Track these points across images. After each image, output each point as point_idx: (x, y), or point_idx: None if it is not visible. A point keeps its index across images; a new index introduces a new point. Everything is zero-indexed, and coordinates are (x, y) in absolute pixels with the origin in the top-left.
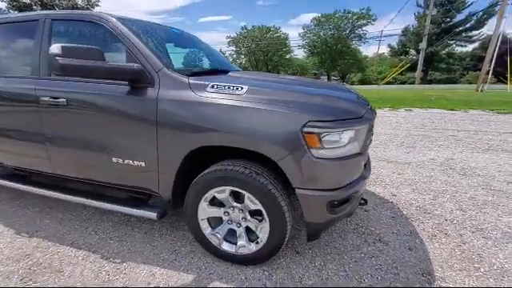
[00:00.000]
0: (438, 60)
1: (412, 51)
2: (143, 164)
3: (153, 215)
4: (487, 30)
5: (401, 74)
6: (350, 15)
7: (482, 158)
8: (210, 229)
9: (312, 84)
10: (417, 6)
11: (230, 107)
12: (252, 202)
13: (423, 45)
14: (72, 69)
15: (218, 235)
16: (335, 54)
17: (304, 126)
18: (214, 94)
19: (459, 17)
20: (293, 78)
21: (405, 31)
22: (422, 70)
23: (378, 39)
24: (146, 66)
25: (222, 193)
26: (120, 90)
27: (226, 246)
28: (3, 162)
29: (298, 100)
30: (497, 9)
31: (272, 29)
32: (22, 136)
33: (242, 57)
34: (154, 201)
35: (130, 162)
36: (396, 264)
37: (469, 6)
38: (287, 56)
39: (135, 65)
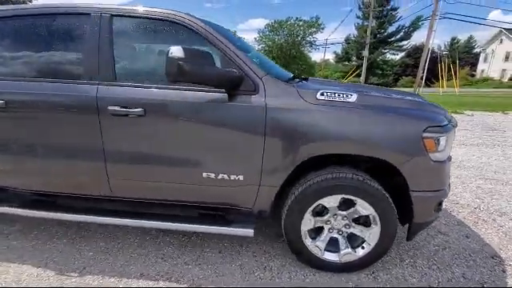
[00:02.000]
0: (375, 66)
1: (354, 58)
2: (241, 177)
3: (249, 232)
4: (413, 40)
5: (346, 78)
6: (301, 23)
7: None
8: (310, 239)
9: (392, 91)
10: (356, 17)
11: (346, 115)
12: (364, 208)
13: (366, 53)
14: (193, 74)
15: (320, 245)
16: (290, 59)
17: (424, 131)
18: (325, 102)
19: (391, 29)
20: (364, 84)
21: (347, 40)
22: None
23: (324, 46)
24: (248, 72)
25: (332, 201)
26: (211, 98)
27: (328, 256)
28: (19, 186)
29: (408, 107)
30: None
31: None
32: (60, 153)
33: None
34: (231, 217)
35: (225, 176)
36: (467, 251)
37: (398, 19)
38: None
39: (237, 71)
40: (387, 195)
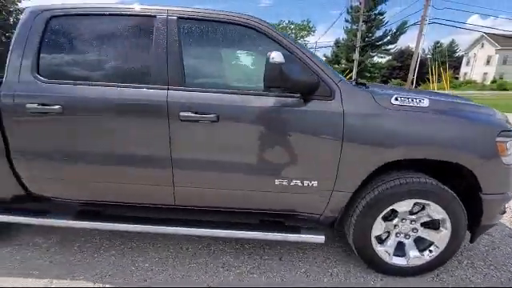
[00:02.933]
0: (364, 69)
1: (343, 61)
2: (315, 184)
3: (321, 239)
4: (399, 44)
5: None
6: (293, 26)
7: None
8: (378, 244)
9: (450, 95)
10: (345, 21)
11: (421, 120)
12: (437, 212)
13: (356, 56)
14: (290, 79)
15: (389, 250)
16: None
17: (497, 135)
18: (400, 107)
19: (378, 33)
20: (422, 89)
21: (336, 43)
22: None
23: (314, 49)
24: (324, 77)
25: (405, 206)
26: (286, 103)
27: (396, 260)
28: (69, 196)
29: (476, 111)
30: (406, 28)
31: None
32: (123, 160)
33: None
34: (291, 223)
35: (298, 182)
36: None
37: (385, 24)
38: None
39: (314, 76)
40: (458, 199)
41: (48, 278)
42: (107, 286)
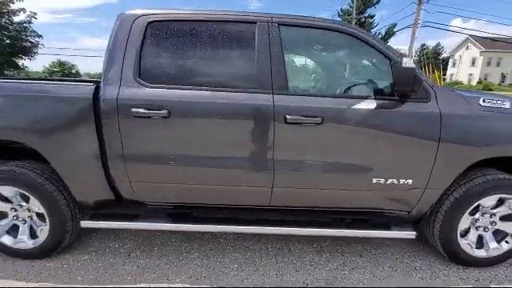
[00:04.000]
0: None
1: None
2: (410, 182)
3: (412, 235)
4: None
5: None
6: None
7: None
8: (462, 238)
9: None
10: None
11: (508, 120)
12: None
13: None
14: (420, 83)
15: (471, 243)
16: None
17: None
18: (488, 108)
19: None
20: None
21: None
22: None
23: None
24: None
25: (490, 201)
26: (385, 105)
27: (477, 252)
28: (159, 200)
29: None
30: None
31: None
32: (226, 162)
33: None
34: (376, 220)
35: (395, 181)
36: None
37: (375, 26)
38: None
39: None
40: None
41: (145, 282)
42: (204, 286)
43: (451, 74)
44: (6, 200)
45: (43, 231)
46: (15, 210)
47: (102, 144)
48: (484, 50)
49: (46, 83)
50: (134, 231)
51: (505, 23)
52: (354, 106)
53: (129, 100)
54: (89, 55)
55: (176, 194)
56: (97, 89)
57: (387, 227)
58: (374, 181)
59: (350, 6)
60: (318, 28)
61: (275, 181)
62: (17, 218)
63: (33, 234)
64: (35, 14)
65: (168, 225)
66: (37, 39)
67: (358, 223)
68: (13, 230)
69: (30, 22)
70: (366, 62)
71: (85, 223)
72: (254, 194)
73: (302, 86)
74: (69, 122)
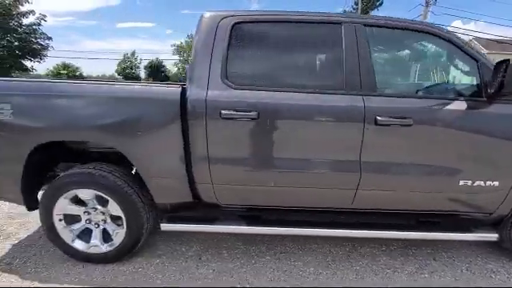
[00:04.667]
0: None
1: None
2: (496, 183)
3: (494, 237)
4: None
5: None
6: None
7: None
8: None
9: None
10: None
11: None
12: None
13: None
14: None
15: None
16: None
17: None
18: None
19: None
20: None
21: None
22: None
23: None
24: None
25: None
26: (474, 107)
27: None
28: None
29: None
30: None
31: None
32: (312, 164)
33: (186, 66)
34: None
35: (482, 183)
36: None
37: None
38: None
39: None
40: None
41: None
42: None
43: (454, 76)
44: (80, 203)
45: (119, 235)
46: (88, 214)
47: (186, 146)
48: (487, 52)
49: (129, 85)
50: (198, 233)
51: (505, 24)
52: (444, 108)
53: (217, 101)
54: (92, 58)
55: (257, 197)
56: (183, 90)
57: (463, 229)
58: (461, 183)
59: (353, 8)
60: (403, 29)
61: (361, 183)
62: (89, 222)
63: (105, 238)
64: (45, 16)
65: (252, 228)
66: (46, 41)
67: (427, 226)
68: (84, 234)
69: (39, 25)
70: (451, 63)
71: (164, 226)
72: (336, 196)
73: (390, 87)
74: (155, 123)
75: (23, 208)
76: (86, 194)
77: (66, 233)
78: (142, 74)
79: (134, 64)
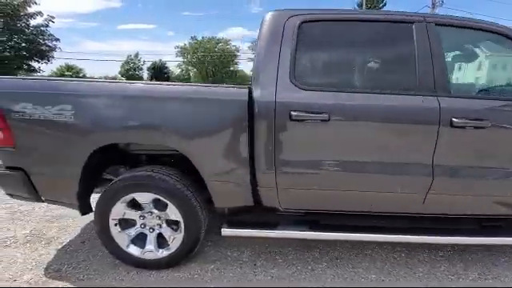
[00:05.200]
0: None
1: None
2: None
3: None
4: None
5: None
6: None
7: None
8: None
9: None
10: None
11: None
12: None
13: None
14: None
15: None
16: None
17: None
18: None
19: None
20: None
21: None
22: None
23: None
24: None
25: None
26: None
27: None
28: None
29: None
30: None
31: (222, 41)
32: (382, 167)
33: (190, 68)
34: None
35: None
36: None
37: None
38: (231, 68)
39: None
40: None
41: None
42: None
43: (457, 78)
44: (136, 207)
45: (176, 240)
46: (143, 218)
47: (251, 148)
48: (489, 53)
49: (197, 85)
50: (246, 238)
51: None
52: None
53: (287, 103)
54: (98, 59)
55: (321, 201)
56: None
57: None
58: None
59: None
60: (474, 28)
61: (432, 187)
62: (144, 226)
63: (159, 243)
64: (53, 17)
65: (319, 234)
66: (54, 43)
67: (489, 230)
68: (138, 240)
69: (47, 26)
70: None
71: (226, 231)
72: (405, 201)
73: (463, 88)
74: (222, 125)
75: (59, 210)
76: (144, 197)
77: (120, 238)
78: (145, 75)
79: (137, 65)
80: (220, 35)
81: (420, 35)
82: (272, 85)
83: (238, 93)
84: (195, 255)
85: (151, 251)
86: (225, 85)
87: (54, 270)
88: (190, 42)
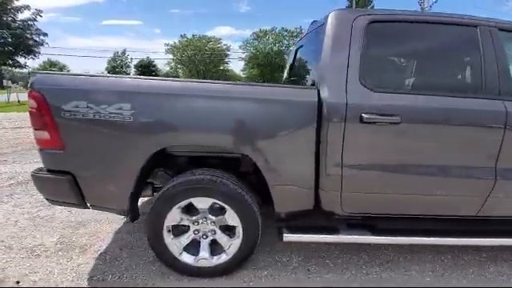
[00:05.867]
0: None
1: None
2: None
3: None
4: None
5: None
6: (286, 33)
7: None
8: None
9: None
10: None
11: None
12: None
13: None
14: None
15: None
16: (275, 67)
17: None
18: None
19: None
20: None
21: None
22: None
23: None
24: None
25: None
26: None
27: None
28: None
29: None
30: None
31: (213, 39)
32: (451, 171)
33: (179, 66)
34: None
35: None
36: None
37: None
38: (221, 67)
39: None
40: None
41: None
42: None
43: None
44: (190, 213)
45: (232, 246)
46: (197, 224)
47: (317, 151)
48: None
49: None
50: (293, 242)
51: None
52: None
53: (359, 105)
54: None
55: (382, 205)
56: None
57: None
58: None
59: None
60: None
61: (494, 190)
62: (197, 233)
63: (212, 250)
64: (40, 11)
65: (386, 238)
66: (41, 37)
67: None
68: (191, 247)
69: (34, 20)
70: None
71: (288, 237)
72: (465, 204)
73: None
74: (290, 127)
75: (82, 215)
76: (203, 202)
77: (174, 245)
78: (132, 72)
79: (124, 63)
80: (208, 34)
81: (485, 39)
82: (341, 86)
83: (308, 94)
84: (245, 262)
85: (205, 258)
86: (289, 85)
87: (98, 279)
88: (179, 40)
